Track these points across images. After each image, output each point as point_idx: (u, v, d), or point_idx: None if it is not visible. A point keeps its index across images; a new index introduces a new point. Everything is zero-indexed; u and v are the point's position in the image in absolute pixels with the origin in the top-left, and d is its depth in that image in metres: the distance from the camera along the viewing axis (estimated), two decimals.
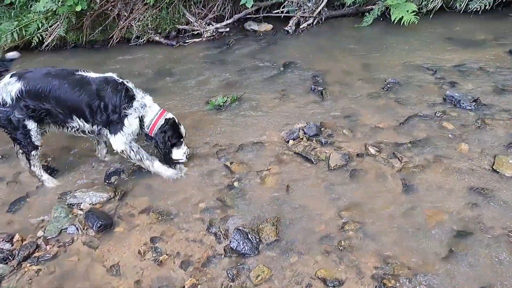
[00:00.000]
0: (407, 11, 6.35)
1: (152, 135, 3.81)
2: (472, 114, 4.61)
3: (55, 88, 3.50)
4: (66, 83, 3.51)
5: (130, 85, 3.71)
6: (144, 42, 7.34)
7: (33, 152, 3.79)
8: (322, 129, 4.49)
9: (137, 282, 3.03)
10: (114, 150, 3.79)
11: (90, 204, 3.76)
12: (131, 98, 3.63)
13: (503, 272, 2.86)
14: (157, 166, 3.91)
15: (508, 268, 2.89)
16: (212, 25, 7.41)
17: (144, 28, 7.27)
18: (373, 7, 7.08)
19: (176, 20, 7.41)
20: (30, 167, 3.92)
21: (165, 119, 3.79)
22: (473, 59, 5.86)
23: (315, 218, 3.42)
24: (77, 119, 3.65)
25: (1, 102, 3.52)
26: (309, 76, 5.72)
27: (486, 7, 7.09)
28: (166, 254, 3.22)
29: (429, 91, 5.11)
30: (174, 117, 3.87)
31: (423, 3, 6.95)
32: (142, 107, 3.69)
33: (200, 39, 7.31)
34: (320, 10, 7.35)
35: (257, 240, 3.21)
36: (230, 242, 3.19)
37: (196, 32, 7.41)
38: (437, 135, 4.31)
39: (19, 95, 3.48)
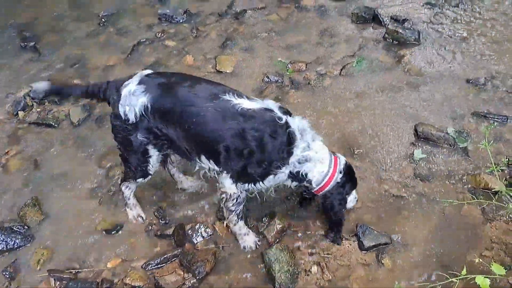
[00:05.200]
0: None
1: (320, 195, 2.68)
2: (186, 26, 4.99)
3: (188, 114, 2.43)
4: (206, 108, 2.40)
5: (295, 124, 2.45)
6: None
7: None
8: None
9: None
10: (221, 189, 2.68)
11: None
12: (290, 150, 2.45)
13: None
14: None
15: None
16: None
17: None
18: None
19: None
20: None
21: (340, 170, 2.63)
22: None
23: (77, 179, 3.31)
24: (208, 161, 2.57)
25: None
26: (14, 32, 4.99)
27: None
28: None
29: (144, 14, 5.20)
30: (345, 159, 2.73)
31: None
32: (302, 162, 2.50)
33: None
34: None
35: (25, 227, 2.98)
36: None
37: None
38: (164, 55, 4.55)
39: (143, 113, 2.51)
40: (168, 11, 5.09)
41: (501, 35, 4.46)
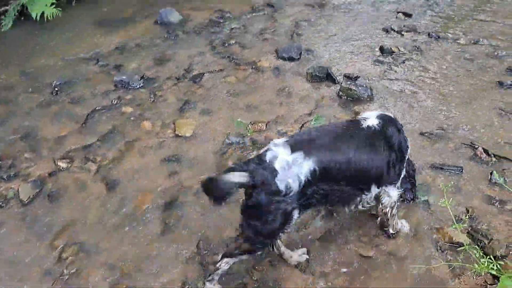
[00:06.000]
0: (46, 5, 6.01)
1: None
2: (144, 91, 4.96)
3: (352, 156, 2.51)
4: (358, 144, 2.56)
5: None
6: None
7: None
8: None
9: None
10: (384, 204, 2.91)
11: None
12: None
13: (209, 220, 3.35)
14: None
15: (211, 212, 3.39)
16: None
17: None
18: (8, 8, 6.34)
19: None
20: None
21: None
22: (129, 37, 6.21)
23: (26, 264, 3.05)
24: (375, 187, 2.73)
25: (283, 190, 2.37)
26: None
27: None
28: None
29: (99, 82, 5.14)
30: None
31: None
32: None
33: None
34: None
35: None
36: None
37: None
38: (120, 122, 4.45)
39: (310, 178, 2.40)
40: (124, 77, 5.07)
41: (447, 88, 4.72)
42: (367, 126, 2.64)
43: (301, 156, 2.40)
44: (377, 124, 2.66)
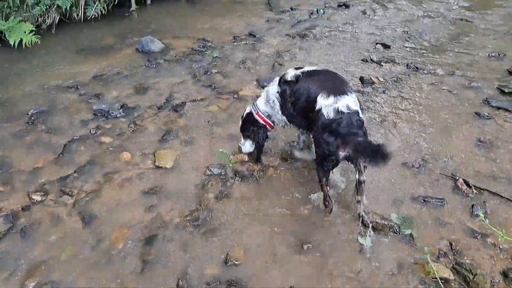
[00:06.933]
0: (25, 32, 5.92)
1: None
2: (124, 121, 4.86)
3: None
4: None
5: None
6: None
7: None
8: None
9: None
10: None
11: None
12: None
13: (189, 256, 3.23)
14: None
15: (191, 247, 3.28)
16: None
17: None
18: None
19: None
20: None
21: None
22: (109, 65, 6.14)
23: None
24: None
25: None
26: None
27: (103, 12, 7.49)
28: None
29: (77, 110, 5.02)
30: None
31: (40, 20, 6.64)
32: None
33: None
34: None
35: None
36: None
37: None
38: (99, 153, 4.32)
39: None
40: (104, 106, 4.98)
41: (426, 119, 4.80)
42: (320, 69, 3.66)
43: (351, 93, 3.29)
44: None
